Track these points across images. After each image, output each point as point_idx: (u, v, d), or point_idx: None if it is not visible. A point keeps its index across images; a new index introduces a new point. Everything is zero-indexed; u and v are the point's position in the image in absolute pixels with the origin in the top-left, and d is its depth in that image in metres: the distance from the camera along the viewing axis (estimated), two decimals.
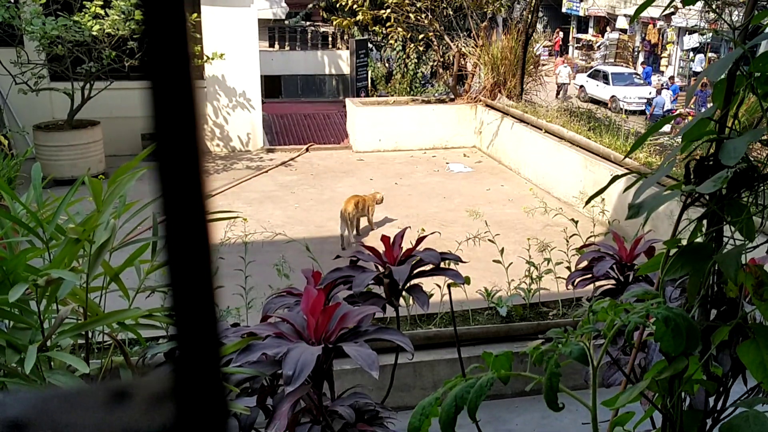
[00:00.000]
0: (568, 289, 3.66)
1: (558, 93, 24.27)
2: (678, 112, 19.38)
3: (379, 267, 3.10)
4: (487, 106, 12.26)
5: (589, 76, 26.27)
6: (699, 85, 16.85)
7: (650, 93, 23.40)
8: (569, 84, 25.73)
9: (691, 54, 28.56)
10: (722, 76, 1.48)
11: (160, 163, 0.30)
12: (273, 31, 21.00)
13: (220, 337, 0.32)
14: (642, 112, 22.79)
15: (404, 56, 17.97)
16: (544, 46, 29.33)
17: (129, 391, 0.31)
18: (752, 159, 1.46)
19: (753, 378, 1.39)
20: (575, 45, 36.37)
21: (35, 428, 0.29)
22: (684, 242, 1.46)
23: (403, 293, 3.10)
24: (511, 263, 5.40)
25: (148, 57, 0.31)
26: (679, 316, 1.19)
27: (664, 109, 22.43)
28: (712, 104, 1.52)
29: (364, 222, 8.31)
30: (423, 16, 12.44)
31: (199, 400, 0.30)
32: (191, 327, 0.31)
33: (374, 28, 13.10)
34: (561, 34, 34.99)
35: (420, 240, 3.26)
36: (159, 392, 0.31)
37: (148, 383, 0.32)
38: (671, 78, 26.16)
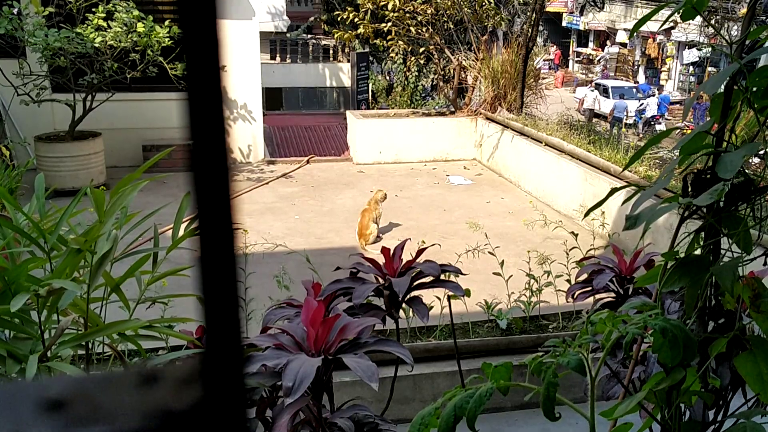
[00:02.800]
0: (568, 301, 3.66)
1: (590, 120, 23.32)
2: (676, 125, 19.47)
3: (379, 279, 3.10)
4: (488, 119, 12.30)
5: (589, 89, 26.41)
6: (696, 98, 16.90)
7: (641, 104, 23.56)
8: (595, 110, 24.43)
9: (691, 68, 28.71)
10: (720, 90, 1.50)
11: (196, 170, 0.32)
12: (274, 44, 21.10)
13: (242, 333, 0.34)
14: (648, 123, 22.96)
15: (405, 69, 18.05)
16: (544, 60, 29.42)
17: (159, 375, 0.33)
18: (750, 173, 1.47)
19: (751, 390, 1.39)
20: (575, 59, 36.54)
21: (73, 408, 0.31)
22: (682, 255, 1.47)
23: (403, 305, 3.10)
24: (511, 276, 5.40)
25: (187, 70, 0.33)
26: (676, 327, 1.20)
27: (649, 115, 22.58)
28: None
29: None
30: (424, 29, 12.51)
31: (224, 384, 0.31)
32: (219, 320, 0.32)
33: (375, 41, 13.16)
34: (555, 48, 35.10)
35: (420, 252, 3.26)
36: (186, 376, 0.32)
37: (176, 368, 0.33)
38: (660, 87, 26.23)
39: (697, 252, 1.47)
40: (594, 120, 22.97)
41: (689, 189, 1.44)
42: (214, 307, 0.32)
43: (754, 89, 1.41)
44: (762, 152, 1.41)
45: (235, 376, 0.32)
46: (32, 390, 0.33)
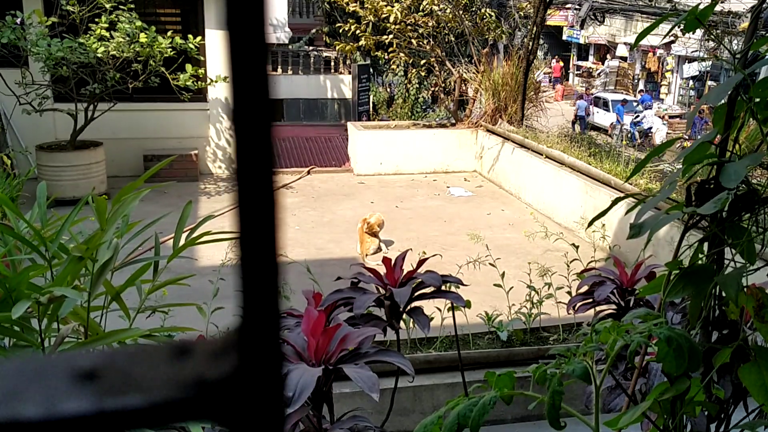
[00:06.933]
0: (569, 313, 3.65)
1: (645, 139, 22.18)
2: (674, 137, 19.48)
3: (380, 289, 3.10)
4: (488, 131, 12.32)
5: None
6: (698, 110, 16.97)
7: (637, 116, 23.64)
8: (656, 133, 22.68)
9: (691, 82, 28.79)
10: (722, 101, 1.50)
11: (244, 185, 0.33)
12: (276, 55, 21.13)
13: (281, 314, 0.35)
14: (645, 135, 23.00)
15: (406, 81, 18.09)
16: (544, 73, 29.47)
17: (191, 347, 0.33)
18: (754, 183, 1.47)
19: (754, 401, 1.39)
20: (576, 72, 36.65)
21: (105, 378, 0.31)
22: (685, 265, 1.46)
23: (404, 316, 3.10)
24: (512, 287, 5.39)
25: (234, 96, 0.33)
26: (681, 337, 1.20)
27: (646, 127, 22.59)
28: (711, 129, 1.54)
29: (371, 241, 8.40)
30: (425, 42, 12.55)
31: (262, 354, 0.32)
32: (258, 302, 0.33)
33: (376, 53, 13.21)
34: (556, 61, 35.27)
35: (421, 263, 3.26)
36: (220, 347, 0.33)
37: (209, 341, 0.33)
38: (641, 91, 26.44)
39: (701, 262, 1.47)
40: (596, 133, 23.01)
41: (693, 199, 1.44)
42: (252, 274, 0.33)
43: (758, 100, 1.41)
44: (765, 162, 1.41)
45: (273, 340, 0.32)
46: (63, 361, 0.33)
